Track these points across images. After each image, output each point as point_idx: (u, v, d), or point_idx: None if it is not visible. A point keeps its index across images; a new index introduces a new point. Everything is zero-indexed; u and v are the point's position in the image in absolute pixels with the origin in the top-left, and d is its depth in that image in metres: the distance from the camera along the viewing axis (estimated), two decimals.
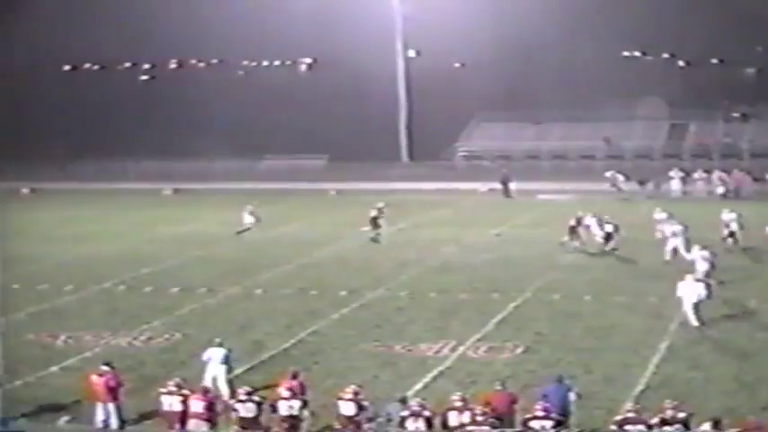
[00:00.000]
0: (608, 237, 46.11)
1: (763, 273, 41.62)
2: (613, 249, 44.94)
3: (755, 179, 68.23)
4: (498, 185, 68.92)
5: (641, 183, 67.82)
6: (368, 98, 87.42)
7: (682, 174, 69.64)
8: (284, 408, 22.83)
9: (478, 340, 31.77)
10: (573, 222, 47.29)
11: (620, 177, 68.47)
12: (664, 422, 21.03)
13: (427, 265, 44.43)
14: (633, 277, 39.71)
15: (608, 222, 46.64)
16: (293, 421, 22.77)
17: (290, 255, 47.37)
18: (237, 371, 28.02)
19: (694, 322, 32.78)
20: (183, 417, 23.21)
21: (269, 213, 57.18)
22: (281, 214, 56.91)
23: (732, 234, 46.30)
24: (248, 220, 53.88)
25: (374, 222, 51.35)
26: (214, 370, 26.55)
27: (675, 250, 42.89)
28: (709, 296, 33.75)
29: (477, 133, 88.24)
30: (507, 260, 45.29)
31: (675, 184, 68.75)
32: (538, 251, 46.72)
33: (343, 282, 41.03)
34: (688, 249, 41.20)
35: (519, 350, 30.68)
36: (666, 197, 63.92)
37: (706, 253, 38.16)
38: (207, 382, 25.71)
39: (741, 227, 46.23)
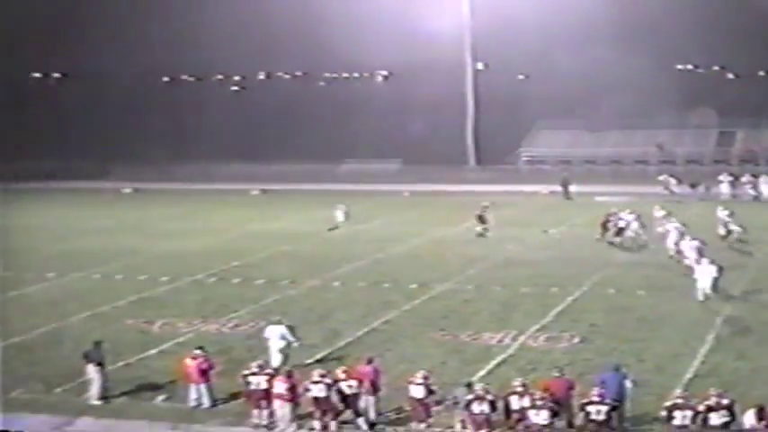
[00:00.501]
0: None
1: None
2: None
3: None
4: (559, 188, 68.42)
5: (693, 186, 66.85)
6: (438, 107, 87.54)
7: (730, 178, 68.32)
8: (316, 390, 22.85)
9: (538, 330, 31.66)
10: (604, 219, 47.72)
11: (673, 181, 67.77)
12: (710, 409, 20.87)
13: (492, 262, 44.31)
14: (683, 274, 38.96)
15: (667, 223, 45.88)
16: (327, 404, 22.86)
17: (366, 251, 47.45)
18: (318, 356, 28.21)
19: (701, 297, 34.69)
20: (268, 396, 23.37)
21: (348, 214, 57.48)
22: (359, 213, 56.92)
23: (729, 232, 46.88)
24: (340, 218, 54.53)
25: (480, 219, 51.37)
26: (275, 346, 27.18)
27: (677, 245, 42.31)
28: (720, 276, 35.10)
29: (538, 140, 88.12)
30: (566, 257, 45.02)
31: (725, 188, 67.55)
32: (595, 249, 46.34)
33: (414, 275, 40.97)
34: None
35: (575, 340, 30.52)
36: (716, 199, 62.88)
37: (696, 243, 39.19)
38: (273, 359, 26.64)
39: (737, 224, 46.83)
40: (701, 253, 38.20)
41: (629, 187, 67.83)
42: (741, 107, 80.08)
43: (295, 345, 27.52)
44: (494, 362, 28.19)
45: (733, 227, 47.47)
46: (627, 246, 46.78)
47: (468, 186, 74.35)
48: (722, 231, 47.48)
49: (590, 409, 21.24)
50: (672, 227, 44.33)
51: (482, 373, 26.96)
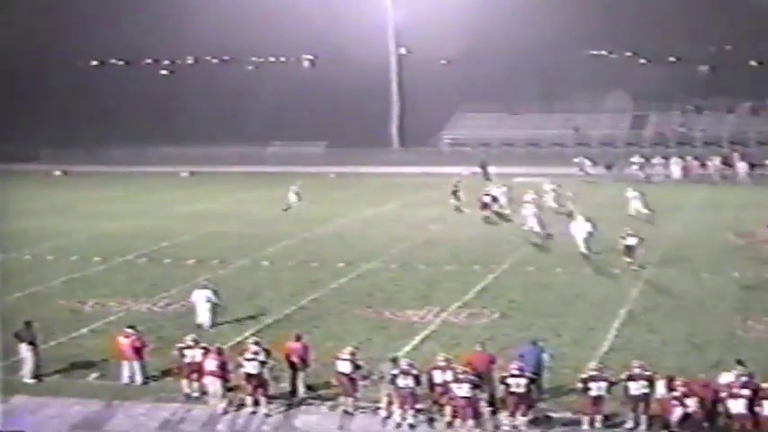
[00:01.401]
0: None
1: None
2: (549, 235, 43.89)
3: (702, 165, 68.64)
4: (479, 169, 68.66)
5: (607, 167, 67.89)
6: (363, 91, 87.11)
7: (642, 160, 69.44)
8: (250, 367, 22.74)
9: (460, 307, 31.81)
10: (486, 199, 49.04)
11: (588, 162, 68.77)
12: (630, 378, 21.27)
13: (416, 241, 44.40)
14: (596, 251, 39.51)
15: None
16: (258, 380, 22.75)
17: (293, 231, 47.35)
18: (246, 333, 28.13)
19: (584, 251, 38.46)
20: (200, 370, 23.37)
21: (275, 195, 57.18)
22: (285, 195, 56.64)
23: (638, 211, 47.80)
24: (293, 198, 54.16)
25: (455, 195, 51.61)
26: (201, 307, 29.26)
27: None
28: (593, 233, 38.82)
29: (460, 123, 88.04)
30: (488, 236, 45.30)
31: (637, 169, 68.59)
32: (515, 228, 46.69)
33: (341, 255, 40.97)
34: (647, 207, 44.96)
35: (496, 316, 30.73)
36: (629, 180, 63.83)
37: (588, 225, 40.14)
38: (199, 317, 29.12)
39: (645, 204, 47.85)
40: (573, 213, 42.10)
41: (546, 168, 68.14)
42: (653, 92, 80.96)
43: (220, 305, 29.56)
44: (418, 337, 28.30)
45: (638, 204, 48.34)
46: (492, 220, 48.13)
47: (392, 168, 74.61)
48: (632, 211, 48.30)
49: (510, 381, 21.48)
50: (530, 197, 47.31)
51: (407, 348, 27.07)
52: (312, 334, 28.02)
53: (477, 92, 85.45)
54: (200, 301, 29.49)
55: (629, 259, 36.81)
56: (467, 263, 39.03)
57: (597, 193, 56.62)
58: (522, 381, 21.44)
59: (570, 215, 44.33)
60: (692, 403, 20.29)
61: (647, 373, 21.36)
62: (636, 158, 69.65)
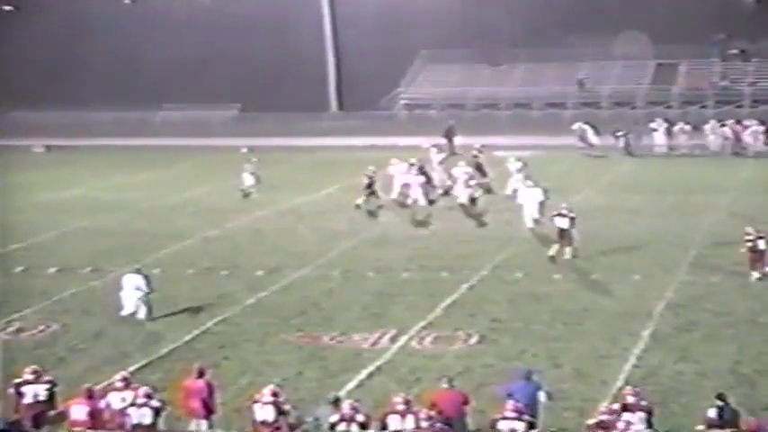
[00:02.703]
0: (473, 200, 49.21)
1: None
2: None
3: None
4: (443, 140, 67.78)
5: (617, 135, 67.71)
6: (288, 34, 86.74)
7: (665, 124, 69.39)
8: (138, 416, 22.56)
9: (424, 328, 31.70)
10: (367, 180, 49.62)
11: (590, 130, 68.27)
12: (625, 408, 21.59)
13: (362, 238, 44.43)
14: (608, 251, 39.99)
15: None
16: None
17: (194, 226, 47.21)
18: (131, 368, 27.83)
19: (530, 224, 42.68)
20: (43, 416, 23.30)
21: (166, 176, 57.09)
22: (182, 177, 56.54)
23: (537, 221, 44.71)
24: (249, 181, 54.12)
25: (370, 190, 50.82)
26: (129, 295, 32.72)
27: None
28: (545, 201, 42.66)
29: (421, 78, 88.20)
30: (459, 232, 45.23)
31: (659, 138, 68.70)
32: (497, 221, 46.58)
33: (260, 259, 40.86)
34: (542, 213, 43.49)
35: (473, 340, 30.67)
36: (645, 153, 64.67)
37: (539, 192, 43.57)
38: (126, 306, 32.56)
39: (542, 213, 44.20)
40: (525, 178, 46.04)
41: (537, 138, 68.92)
42: (683, 32, 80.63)
43: (150, 295, 32.78)
44: (366, 371, 28.25)
45: (518, 180, 48.99)
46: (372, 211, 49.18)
47: (329, 139, 74.54)
48: (508, 190, 49.91)
49: (502, 426, 21.40)
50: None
51: (351, 385, 27.02)
52: (220, 367, 27.92)
53: (442, 36, 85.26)
54: (129, 287, 32.87)
55: (563, 247, 38.52)
56: (432, 268, 38.91)
57: (603, 172, 56.69)
58: (520, 426, 21.41)
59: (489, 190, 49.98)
60: None
61: (645, 404, 21.64)
62: (657, 123, 69.61)
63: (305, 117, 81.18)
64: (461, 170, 50.99)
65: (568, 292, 35.72)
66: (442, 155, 58.10)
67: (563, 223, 38.78)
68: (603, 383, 26.83)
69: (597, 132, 68.28)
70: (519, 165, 51.30)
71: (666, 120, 70.60)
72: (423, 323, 32.27)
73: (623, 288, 35.94)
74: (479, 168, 53.44)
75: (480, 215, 48.01)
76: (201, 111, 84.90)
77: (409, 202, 49.40)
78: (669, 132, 68.98)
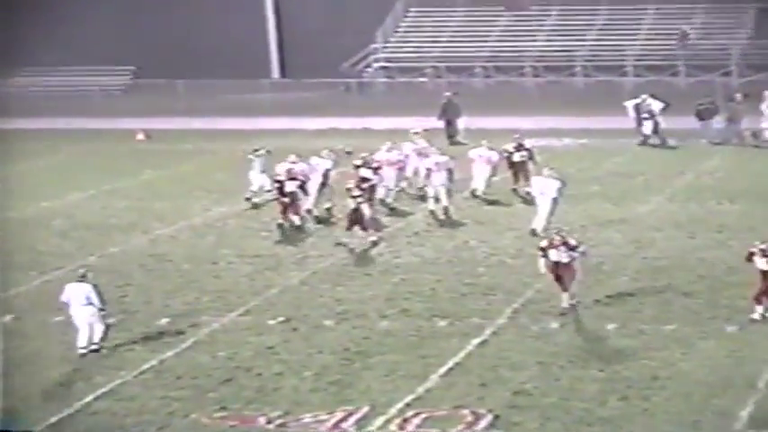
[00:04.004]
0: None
1: None
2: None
3: None
4: (439, 123, 58.73)
5: (701, 117, 57.19)
6: None
7: None
8: None
9: (408, 406, 26.47)
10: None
11: (656, 106, 57.32)
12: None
13: (316, 268, 37.78)
14: (687, 287, 33.60)
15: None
16: None
17: (63, 251, 40.54)
18: None
19: (539, 227, 38.42)
20: None
21: (23, 175, 51.67)
22: (47, 176, 51.61)
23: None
24: (258, 180, 46.50)
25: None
26: (80, 314, 29.85)
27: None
28: (563, 191, 39.32)
29: (403, 28, 79.07)
30: (463, 256, 38.42)
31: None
32: (519, 238, 39.79)
33: (163, 300, 34.97)
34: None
35: (482, 424, 25.45)
36: (757, 141, 54.81)
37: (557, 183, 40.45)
38: (81, 329, 29.66)
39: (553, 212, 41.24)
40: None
41: (581, 119, 60.52)
42: None
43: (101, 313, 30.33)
44: None
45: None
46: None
47: (267, 121, 66.58)
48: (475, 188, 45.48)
49: None
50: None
51: None
52: None
53: None
54: (76, 304, 29.81)
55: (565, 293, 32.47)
56: (422, 313, 32.89)
57: (683, 168, 50.45)
58: None
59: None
60: None
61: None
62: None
63: (232, 86, 73.76)
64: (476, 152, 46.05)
65: (630, 348, 30.00)
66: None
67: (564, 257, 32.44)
68: None
69: (665, 107, 57.12)
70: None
71: None
72: (408, 398, 27.23)
73: (714, 346, 30.03)
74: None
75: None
76: (80, 76, 78.44)
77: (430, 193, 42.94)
78: None
